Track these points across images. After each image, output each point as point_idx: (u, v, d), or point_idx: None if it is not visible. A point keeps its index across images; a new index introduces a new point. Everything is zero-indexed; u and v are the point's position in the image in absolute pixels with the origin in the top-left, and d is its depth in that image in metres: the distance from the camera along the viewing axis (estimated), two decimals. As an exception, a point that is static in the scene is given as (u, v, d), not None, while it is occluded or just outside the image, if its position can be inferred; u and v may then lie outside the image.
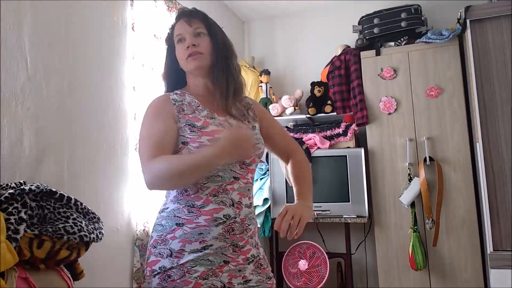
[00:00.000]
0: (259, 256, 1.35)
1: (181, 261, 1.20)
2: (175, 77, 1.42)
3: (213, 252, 1.22)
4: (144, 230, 2.19)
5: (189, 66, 1.35)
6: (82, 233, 1.37)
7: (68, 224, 1.35)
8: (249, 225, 1.30)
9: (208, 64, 1.35)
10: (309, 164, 1.62)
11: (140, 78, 2.25)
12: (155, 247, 1.26)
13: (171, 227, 1.25)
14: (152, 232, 1.32)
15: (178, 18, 1.41)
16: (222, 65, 1.36)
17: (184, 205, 1.26)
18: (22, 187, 1.31)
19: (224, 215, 1.24)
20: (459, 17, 2.61)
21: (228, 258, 1.24)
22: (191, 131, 1.26)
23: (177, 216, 1.25)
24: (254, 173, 1.39)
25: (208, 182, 1.25)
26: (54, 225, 1.32)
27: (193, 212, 1.24)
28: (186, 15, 1.38)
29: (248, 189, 1.33)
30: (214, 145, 1.16)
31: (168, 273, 1.20)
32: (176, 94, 1.37)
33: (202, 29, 1.36)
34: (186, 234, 1.22)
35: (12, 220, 1.20)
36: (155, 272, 1.23)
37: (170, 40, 1.44)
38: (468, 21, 2.46)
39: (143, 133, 1.28)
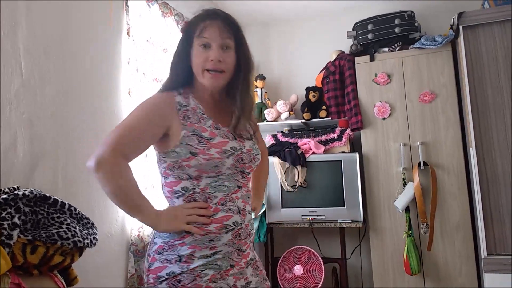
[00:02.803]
0: (255, 258, 1.40)
1: (192, 266, 1.20)
2: (183, 73, 1.31)
3: (221, 257, 1.24)
4: (138, 235, 2.19)
5: (205, 82, 1.28)
6: (76, 238, 1.37)
7: (62, 230, 1.34)
8: (251, 230, 1.35)
9: (226, 81, 1.31)
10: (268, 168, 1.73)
11: (135, 83, 2.25)
12: (161, 253, 1.24)
13: (180, 234, 1.24)
14: (154, 238, 1.29)
15: (211, 18, 1.28)
16: (243, 85, 1.33)
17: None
18: (15, 192, 1.30)
19: (233, 222, 1.27)
20: (452, 23, 2.64)
21: (233, 262, 1.27)
22: (199, 142, 1.24)
23: None
24: (250, 181, 1.42)
25: (216, 192, 1.26)
26: (47, 230, 1.32)
27: None
28: (221, 20, 1.28)
29: (248, 197, 1.36)
30: (161, 216, 1.22)
31: (178, 278, 1.20)
32: (180, 95, 1.30)
33: (231, 42, 1.28)
34: (197, 241, 1.23)
35: (6, 226, 1.20)
36: (162, 279, 1.21)
37: (189, 33, 1.30)
38: (461, 27, 2.49)
39: (129, 123, 1.22)
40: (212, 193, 1.26)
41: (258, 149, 1.40)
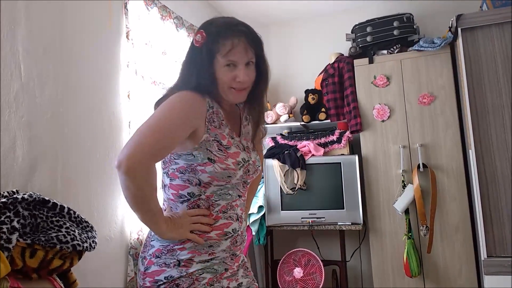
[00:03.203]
0: (244, 260, 1.42)
1: (190, 270, 1.20)
2: (205, 81, 1.23)
3: (218, 262, 1.26)
4: (138, 238, 2.18)
5: (229, 97, 1.26)
6: (75, 242, 1.36)
7: (61, 233, 1.34)
8: (245, 236, 1.38)
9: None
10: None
11: (134, 86, 2.25)
12: (159, 257, 1.22)
13: (170, 241, 1.23)
14: (151, 240, 1.26)
15: (237, 36, 1.20)
16: (260, 98, 1.34)
17: None
18: (14, 196, 1.30)
19: (232, 229, 1.29)
20: (450, 26, 2.64)
21: (227, 266, 1.29)
22: (219, 149, 1.23)
23: None
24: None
25: (220, 200, 1.27)
26: (47, 234, 1.31)
27: None
28: (246, 37, 1.22)
29: (244, 204, 1.39)
30: (168, 224, 1.20)
31: (177, 282, 1.19)
32: (208, 94, 1.25)
33: (253, 58, 1.25)
34: (197, 246, 1.23)
35: (5, 229, 1.19)
36: (160, 283, 1.20)
37: (211, 48, 1.21)
38: (459, 29, 2.49)
39: (162, 123, 1.13)
40: (216, 201, 1.26)
41: (259, 160, 1.42)
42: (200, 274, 1.21)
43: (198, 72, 1.23)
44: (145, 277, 1.23)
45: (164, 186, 1.31)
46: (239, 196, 1.33)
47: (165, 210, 1.31)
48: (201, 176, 1.22)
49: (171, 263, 1.21)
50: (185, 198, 1.25)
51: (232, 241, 1.29)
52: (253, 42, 1.24)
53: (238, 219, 1.32)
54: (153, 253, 1.24)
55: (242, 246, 1.36)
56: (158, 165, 1.19)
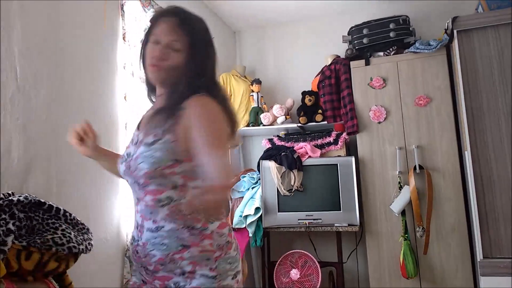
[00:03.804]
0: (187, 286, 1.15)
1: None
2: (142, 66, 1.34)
3: (135, 269, 1.30)
4: (134, 240, 2.18)
5: (148, 76, 1.35)
6: (71, 244, 1.36)
7: (56, 235, 1.33)
8: (151, 250, 1.16)
9: (162, 79, 1.27)
10: None
11: (130, 88, 2.25)
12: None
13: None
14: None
15: (169, 16, 1.24)
16: (178, 82, 1.29)
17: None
18: (10, 198, 1.30)
19: (132, 236, 1.29)
20: (446, 28, 2.66)
21: (144, 278, 1.25)
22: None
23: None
24: (161, 194, 1.18)
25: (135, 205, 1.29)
26: (42, 236, 1.31)
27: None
28: (180, 21, 1.26)
29: (151, 212, 1.17)
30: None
31: None
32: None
33: (178, 41, 1.21)
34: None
35: (0, 232, 1.19)
36: None
37: (151, 27, 1.26)
38: (455, 31, 2.51)
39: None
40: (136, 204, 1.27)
41: (147, 155, 1.16)
42: (132, 278, 1.31)
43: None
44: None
45: None
46: (138, 199, 1.22)
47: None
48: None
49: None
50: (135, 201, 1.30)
51: (133, 250, 1.22)
52: (184, 25, 1.20)
53: (137, 227, 1.21)
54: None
55: (151, 260, 1.16)
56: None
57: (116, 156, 1.42)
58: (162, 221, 1.15)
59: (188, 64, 1.20)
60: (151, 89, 1.35)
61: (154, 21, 1.25)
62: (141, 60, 1.28)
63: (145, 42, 1.26)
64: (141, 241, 1.18)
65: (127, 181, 1.26)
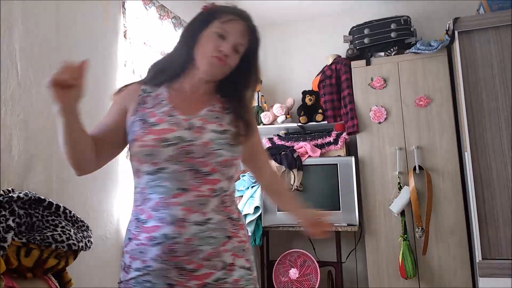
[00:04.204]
0: (226, 279, 1.11)
1: (128, 276, 1.10)
2: (179, 61, 1.27)
3: (154, 274, 1.07)
4: (134, 238, 2.18)
5: (205, 67, 1.20)
6: (71, 241, 1.36)
7: (56, 233, 1.33)
8: (199, 246, 1.08)
9: (222, 76, 1.25)
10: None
11: (131, 86, 2.24)
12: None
13: (126, 239, 1.15)
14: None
15: (242, 18, 1.25)
16: (239, 92, 1.30)
17: (133, 217, 1.14)
18: (10, 194, 1.30)
19: (162, 234, 1.06)
20: (447, 29, 2.65)
21: (173, 281, 1.06)
22: (141, 128, 1.12)
23: (129, 229, 1.15)
24: (217, 184, 1.13)
25: (152, 194, 1.10)
26: (42, 233, 1.31)
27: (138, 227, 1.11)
28: (249, 27, 1.26)
29: (202, 203, 1.10)
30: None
31: (120, 286, 1.13)
32: (148, 85, 1.23)
33: (243, 46, 1.24)
34: (133, 250, 1.10)
35: (0, 228, 1.19)
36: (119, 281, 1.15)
37: (216, 12, 1.24)
38: (456, 32, 2.50)
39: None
40: (149, 194, 1.10)
41: (223, 143, 1.14)
42: (134, 285, 1.08)
43: (180, 48, 1.23)
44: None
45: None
46: (184, 189, 1.08)
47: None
48: (132, 163, 1.16)
49: (122, 264, 1.15)
50: (135, 191, 1.16)
51: (165, 249, 1.05)
52: (252, 33, 1.22)
53: (174, 223, 1.06)
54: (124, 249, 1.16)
55: (197, 257, 1.07)
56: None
57: (82, 129, 1.14)
58: (211, 212, 1.10)
59: (237, 69, 1.23)
60: (176, 74, 1.24)
61: (222, 14, 1.19)
62: (190, 41, 1.20)
63: (202, 27, 1.19)
64: (184, 237, 1.06)
65: (167, 168, 1.08)
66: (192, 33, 1.20)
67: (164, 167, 1.08)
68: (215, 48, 1.15)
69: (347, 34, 3.19)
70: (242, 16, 1.22)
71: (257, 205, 3.00)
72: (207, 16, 1.20)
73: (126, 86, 1.25)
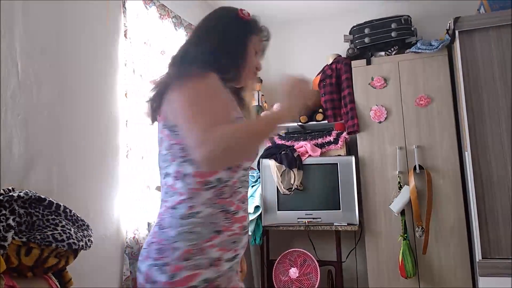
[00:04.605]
0: None
1: (222, 269, 1.09)
2: (237, 59, 1.27)
3: (236, 261, 1.17)
4: (134, 237, 2.18)
5: (247, 81, 1.35)
6: (71, 240, 1.36)
7: (56, 232, 1.34)
8: None
9: None
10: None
11: (132, 85, 2.25)
12: (188, 260, 1.05)
13: (208, 234, 1.09)
14: (173, 242, 1.07)
15: (269, 35, 1.38)
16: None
17: (219, 210, 1.13)
18: (10, 193, 1.30)
19: (248, 223, 1.22)
20: (448, 28, 2.65)
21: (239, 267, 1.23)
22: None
23: (214, 222, 1.12)
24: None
25: (241, 187, 1.19)
26: (42, 232, 1.31)
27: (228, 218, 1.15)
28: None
29: None
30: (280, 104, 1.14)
31: (217, 283, 1.07)
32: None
33: None
34: (224, 242, 1.11)
35: (0, 227, 1.19)
36: None
37: (249, 29, 1.30)
38: (457, 32, 2.50)
39: (199, 109, 1.04)
40: (239, 188, 1.18)
41: None
42: (221, 282, 1.10)
43: (228, 50, 1.21)
44: (171, 286, 1.04)
45: (183, 176, 1.13)
46: (245, 186, 1.25)
47: (184, 200, 1.12)
48: None
49: (204, 263, 1.06)
50: (212, 185, 1.12)
51: (245, 242, 1.20)
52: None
53: (247, 218, 1.24)
54: (180, 256, 1.06)
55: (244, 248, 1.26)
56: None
57: None
58: None
59: None
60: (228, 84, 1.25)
61: (262, 32, 1.33)
62: (240, 49, 1.25)
63: (247, 39, 1.26)
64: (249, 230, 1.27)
65: (244, 168, 1.20)
66: (240, 41, 1.24)
67: (239, 168, 1.19)
68: (256, 65, 1.29)
69: (348, 34, 3.19)
70: (269, 38, 1.35)
71: (257, 204, 3.01)
72: (250, 28, 1.28)
73: (206, 73, 1.12)
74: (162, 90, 1.14)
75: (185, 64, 1.18)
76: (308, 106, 1.20)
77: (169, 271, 1.05)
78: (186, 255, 1.06)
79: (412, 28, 3.03)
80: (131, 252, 2.13)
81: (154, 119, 1.21)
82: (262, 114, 1.19)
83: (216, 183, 1.13)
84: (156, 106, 1.17)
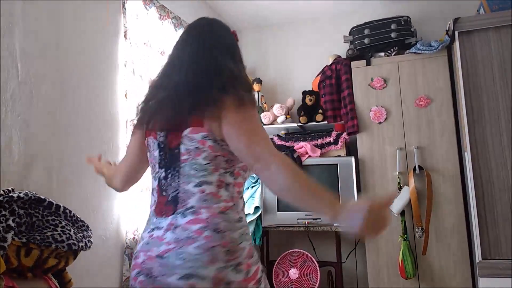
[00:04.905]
0: None
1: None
2: None
3: None
4: (133, 238, 2.18)
5: None
6: (71, 241, 1.36)
7: (56, 232, 1.34)
8: None
9: None
10: None
11: (131, 86, 2.25)
12: (252, 257, 1.18)
13: (251, 260, 1.21)
14: (239, 243, 1.15)
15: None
16: None
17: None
18: (10, 194, 1.30)
19: None
20: (447, 29, 2.65)
21: None
22: None
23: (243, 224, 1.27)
24: None
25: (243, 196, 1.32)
26: (42, 233, 1.31)
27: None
28: None
29: None
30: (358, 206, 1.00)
31: (262, 269, 1.23)
32: None
33: None
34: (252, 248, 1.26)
35: (0, 228, 1.19)
36: (258, 278, 1.18)
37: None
38: (456, 32, 2.50)
39: (264, 133, 1.19)
40: (242, 196, 1.29)
41: None
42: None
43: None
44: (248, 283, 1.13)
45: (226, 185, 1.20)
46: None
47: (231, 207, 1.19)
48: (243, 171, 1.27)
49: (258, 258, 1.23)
50: (242, 195, 1.28)
51: None
52: None
53: None
54: (248, 254, 1.17)
55: None
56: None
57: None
58: None
59: None
60: None
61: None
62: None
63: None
64: None
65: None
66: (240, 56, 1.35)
67: None
68: None
69: (347, 35, 3.19)
70: None
71: (257, 205, 3.00)
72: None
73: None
74: (204, 102, 1.16)
75: (241, 86, 1.21)
76: (376, 235, 1.04)
77: (244, 269, 1.13)
78: (250, 252, 1.18)
79: (411, 29, 3.03)
80: (131, 252, 2.13)
81: (178, 122, 1.19)
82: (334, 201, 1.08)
83: (243, 193, 1.29)
84: (187, 111, 1.17)
